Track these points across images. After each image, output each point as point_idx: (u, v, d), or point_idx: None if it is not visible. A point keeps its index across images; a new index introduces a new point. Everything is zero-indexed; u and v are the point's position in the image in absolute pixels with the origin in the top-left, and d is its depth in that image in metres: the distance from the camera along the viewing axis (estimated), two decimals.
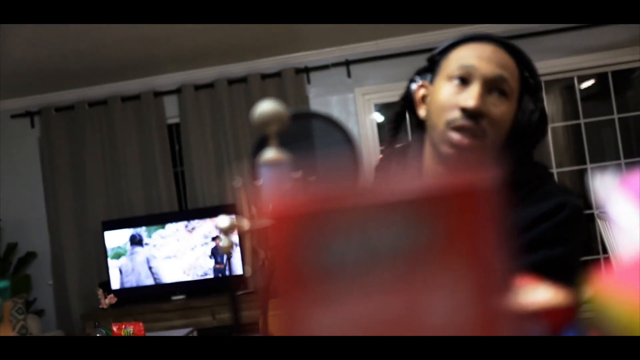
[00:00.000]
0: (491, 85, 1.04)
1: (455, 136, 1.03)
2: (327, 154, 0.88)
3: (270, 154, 0.74)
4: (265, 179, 0.74)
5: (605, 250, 3.94)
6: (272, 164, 0.74)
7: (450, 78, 1.07)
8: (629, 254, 0.37)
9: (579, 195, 1.08)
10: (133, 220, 4.66)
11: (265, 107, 0.74)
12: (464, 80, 1.05)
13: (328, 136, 0.90)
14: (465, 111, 1.02)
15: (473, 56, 1.06)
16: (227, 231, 0.75)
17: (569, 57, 4.39)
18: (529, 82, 1.09)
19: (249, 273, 0.75)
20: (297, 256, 0.28)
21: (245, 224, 0.75)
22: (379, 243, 0.27)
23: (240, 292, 0.89)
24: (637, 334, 0.29)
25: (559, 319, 0.45)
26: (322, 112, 0.92)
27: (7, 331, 0.82)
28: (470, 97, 1.02)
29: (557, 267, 0.97)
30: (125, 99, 4.81)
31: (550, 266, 0.95)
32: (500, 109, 1.04)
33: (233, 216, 0.76)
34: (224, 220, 0.75)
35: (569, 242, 1.03)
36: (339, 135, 0.89)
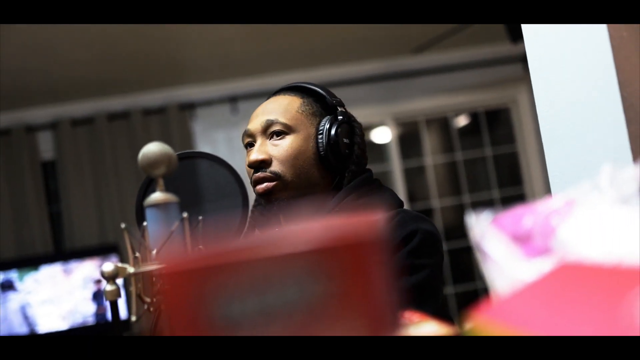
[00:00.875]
0: (264, 134, 1.22)
1: (258, 188, 1.20)
2: (215, 193, 0.88)
3: (157, 196, 0.73)
4: (152, 221, 0.72)
5: (483, 279, 4.17)
6: (159, 205, 0.72)
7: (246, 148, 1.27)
8: (503, 289, 0.40)
9: (431, 223, 1.17)
10: (2, 264, 4.33)
11: (152, 149, 0.73)
12: (251, 144, 1.25)
13: (215, 176, 0.89)
14: (252, 167, 1.21)
15: (250, 121, 1.26)
16: (112, 277, 0.72)
17: (445, 96, 4.68)
18: (327, 104, 1.26)
19: (134, 318, 0.72)
20: (192, 309, 0.28)
21: (130, 268, 0.73)
22: (274, 298, 0.28)
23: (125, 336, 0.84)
24: None
25: None
26: (208, 153, 0.92)
27: None
28: (249, 155, 1.23)
29: (419, 293, 1.04)
30: None
31: (412, 293, 1.02)
32: (281, 146, 1.20)
33: (117, 262, 0.74)
34: (108, 266, 0.72)
35: (425, 267, 1.10)
36: (227, 175, 0.90)
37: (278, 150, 1.20)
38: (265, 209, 1.16)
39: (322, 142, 1.20)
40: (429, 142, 4.86)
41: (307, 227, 0.29)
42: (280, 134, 1.21)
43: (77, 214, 4.50)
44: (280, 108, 1.23)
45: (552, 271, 0.33)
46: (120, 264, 0.74)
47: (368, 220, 0.29)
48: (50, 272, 4.31)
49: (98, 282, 4.32)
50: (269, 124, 1.21)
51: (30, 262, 4.34)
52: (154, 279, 0.74)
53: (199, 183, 0.90)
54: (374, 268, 0.29)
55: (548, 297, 0.31)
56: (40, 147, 4.58)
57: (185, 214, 0.72)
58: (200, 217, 0.74)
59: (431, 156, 4.81)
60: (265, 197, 1.18)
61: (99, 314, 4.31)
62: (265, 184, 1.18)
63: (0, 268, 4.30)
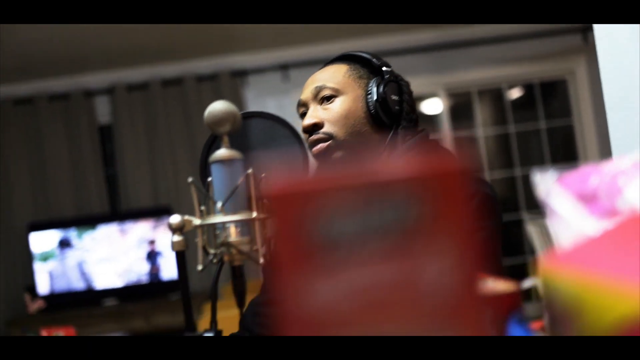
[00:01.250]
0: (315, 100, 1.28)
1: (313, 150, 1.25)
2: (277, 152, 0.90)
3: (222, 152, 0.75)
4: (217, 176, 0.75)
5: (533, 253, 4.12)
6: (224, 161, 0.75)
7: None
8: (571, 241, 0.41)
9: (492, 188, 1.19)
10: (61, 222, 4.52)
11: (218, 107, 0.75)
12: (305, 113, 1.30)
13: (276, 136, 0.91)
14: (306, 132, 1.26)
15: (302, 92, 1.32)
16: (178, 228, 0.76)
17: (499, 67, 4.58)
18: (373, 67, 1.31)
19: (200, 268, 0.75)
20: (300, 231, 0.31)
21: (196, 221, 0.76)
22: (374, 218, 0.31)
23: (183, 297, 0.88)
24: (585, 307, 0.32)
25: (506, 306, 0.49)
26: (270, 113, 0.94)
27: None
28: (303, 122, 1.28)
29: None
30: (53, 98, 4.65)
31: None
32: (331, 108, 1.25)
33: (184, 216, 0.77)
34: (175, 218, 0.76)
35: (483, 229, 1.11)
36: (288, 135, 0.91)
37: (329, 112, 1.25)
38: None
39: (371, 100, 1.25)
40: (481, 113, 4.79)
41: (401, 160, 0.31)
42: (329, 98, 1.26)
43: (132, 176, 4.64)
44: (328, 75, 1.30)
45: (620, 222, 0.34)
46: (186, 217, 0.77)
47: (454, 156, 0.32)
48: (106, 232, 4.47)
49: (152, 242, 4.46)
50: (318, 90, 1.27)
51: (88, 221, 4.51)
52: (217, 231, 0.77)
53: (260, 142, 0.92)
54: (460, 197, 0.32)
55: (617, 245, 0.32)
56: (97, 112, 4.71)
57: (250, 170, 0.74)
58: (264, 174, 0.77)
59: (483, 128, 4.73)
60: (321, 158, 1.23)
61: (153, 274, 4.46)
62: (319, 145, 1.23)
63: (60, 226, 4.49)
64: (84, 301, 4.39)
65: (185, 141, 4.60)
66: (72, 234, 4.47)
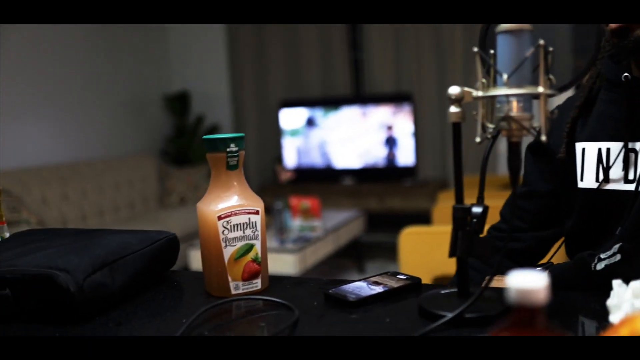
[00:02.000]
0: None
1: (611, 25, 0.92)
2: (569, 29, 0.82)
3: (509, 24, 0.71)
4: (503, 47, 0.71)
5: None
6: (513, 32, 0.70)
7: None
8: None
9: None
10: (309, 101, 4.83)
11: None
12: None
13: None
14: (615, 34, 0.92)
15: None
16: (457, 100, 0.75)
17: None
18: None
19: (478, 140, 0.74)
20: None
21: (477, 92, 0.74)
22: None
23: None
24: None
25: None
26: None
27: (241, 175, 0.91)
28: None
29: None
30: None
31: None
32: None
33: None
34: (455, 89, 0.74)
35: None
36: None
37: None
38: (618, 48, 1.00)
39: None
40: None
41: None
42: None
43: (377, 62, 4.72)
44: None
45: None
46: (466, 88, 0.75)
47: None
48: (349, 114, 4.69)
49: (389, 128, 4.58)
50: None
51: (332, 102, 4.76)
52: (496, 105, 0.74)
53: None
54: None
55: None
56: None
57: (541, 41, 0.69)
58: (551, 48, 0.71)
59: None
60: (619, 35, 0.94)
61: (389, 159, 4.62)
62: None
63: (307, 105, 4.81)
64: (325, 177, 4.75)
65: (430, 31, 4.51)
66: (317, 113, 4.77)
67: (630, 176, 0.98)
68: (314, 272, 3.74)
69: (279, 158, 4.95)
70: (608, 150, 1.01)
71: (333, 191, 4.51)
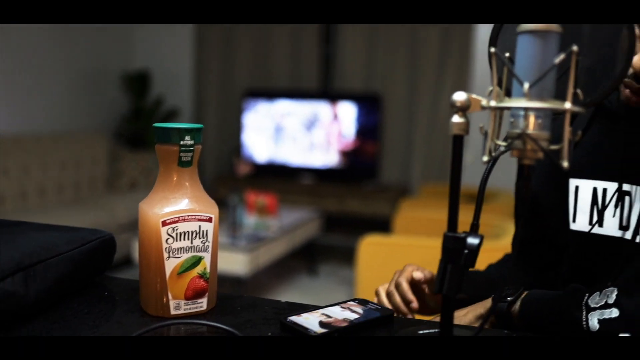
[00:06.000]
0: None
1: (623, 91, 0.87)
2: (599, 34, 0.70)
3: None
4: (524, 51, 0.59)
5: None
6: (538, 33, 0.59)
7: None
8: None
9: None
10: (275, 92, 4.68)
11: None
12: None
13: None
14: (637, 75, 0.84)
15: None
16: (463, 108, 0.62)
17: None
18: None
19: (485, 159, 0.62)
20: None
21: (487, 102, 0.61)
22: None
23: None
24: None
25: None
26: None
27: (195, 175, 0.77)
28: (638, 57, 0.82)
29: None
30: None
31: None
32: None
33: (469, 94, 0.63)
34: (460, 95, 0.62)
35: None
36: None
37: None
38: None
39: None
40: None
41: None
42: None
43: (348, 58, 4.60)
44: None
45: None
46: (474, 96, 0.63)
47: None
48: (315, 109, 4.55)
49: (355, 127, 4.46)
50: None
51: (299, 95, 4.61)
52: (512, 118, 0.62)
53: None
54: None
55: None
56: None
57: (575, 47, 0.57)
58: (576, 48, 0.59)
59: None
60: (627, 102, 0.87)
61: (352, 159, 4.49)
62: (634, 97, 0.85)
63: (272, 96, 4.65)
64: (284, 174, 4.60)
65: (405, 30, 4.42)
66: (282, 105, 4.62)
67: (625, 221, 0.88)
68: (265, 272, 3.60)
69: (238, 150, 4.78)
70: (604, 190, 0.91)
71: (292, 189, 4.37)
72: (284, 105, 4.62)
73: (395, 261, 2.09)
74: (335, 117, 4.50)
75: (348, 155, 4.50)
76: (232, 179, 4.59)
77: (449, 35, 4.28)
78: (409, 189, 4.40)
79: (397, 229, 2.69)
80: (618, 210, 0.89)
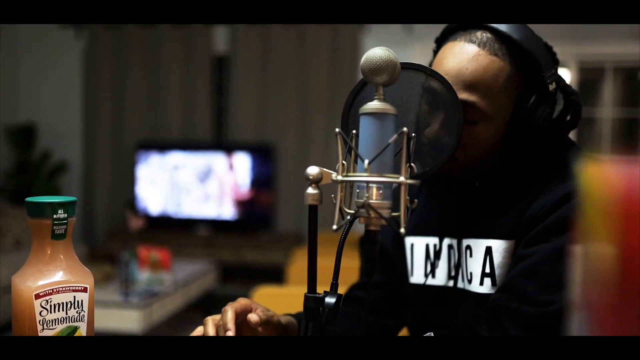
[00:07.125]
0: None
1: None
2: (430, 111, 0.81)
3: (375, 104, 0.68)
4: (366, 130, 0.68)
5: None
6: (376, 115, 0.67)
7: None
8: None
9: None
10: (168, 144, 4.65)
11: (378, 54, 0.67)
12: None
13: (430, 92, 0.82)
14: None
15: (443, 71, 0.91)
16: (315, 181, 0.70)
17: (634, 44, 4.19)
18: (535, 66, 0.92)
19: (335, 227, 0.69)
20: None
21: (337, 176, 0.69)
22: None
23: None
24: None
25: None
26: (427, 67, 0.84)
27: (69, 246, 0.79)
28: None
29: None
30: (174, 24, 4.72)
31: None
32: (471, 134, 0.91)
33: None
34: (313, 169, 0.70)
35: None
36: (447, 101, 0.81)
37: (466, 138, 0.90)
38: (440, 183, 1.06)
39: (518, 126, 0.93)
40: (612, 92, 4.42)
41: None
42: (474, 121, 0.91)
43: (241, 109, 4.66)
44: (482, 82, 0.89)
45: None
46: (326, 170, 0.71)
47: None
48: (208, 160, 4.55)
49: (249, 177, 4.51)
50: (464, 105, 0.88)
51: (192, 147, 4.62)
52: (356, 190, 0.70)
53: (412, 97, 0.84)
54: None
55: None
56: (214, 42, 4.74)
57: (405, 129, 0.66)
58: (413, 134, 0.69)
59: (611, 108, 4.39)
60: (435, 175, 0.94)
61: (247, 209, 4.53)
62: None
63: (165, 148, 4.62)
64: (179, 226, 4.55)
65: (295, 81, 4.56)
66: (175, 157, 4.60)
67: (453, 271, 1.02)
68: (162, 328, 3.52)
69: (131, 203, 4.68)
70: (435, 245, 1.03)
71: (187, 241, 4.33)
72: (177, 157, 4.60)
73: (289, 310, 2.14)
74: (231, 167, 4.53)
75: (243, 205, 4.53)
76: (125, 233, 4.47)
77: (337, 82, 4.47)
78: (304, 238, 4.48)
79: (291, 278, 2.74)
80: (446, 262, 1.02)
